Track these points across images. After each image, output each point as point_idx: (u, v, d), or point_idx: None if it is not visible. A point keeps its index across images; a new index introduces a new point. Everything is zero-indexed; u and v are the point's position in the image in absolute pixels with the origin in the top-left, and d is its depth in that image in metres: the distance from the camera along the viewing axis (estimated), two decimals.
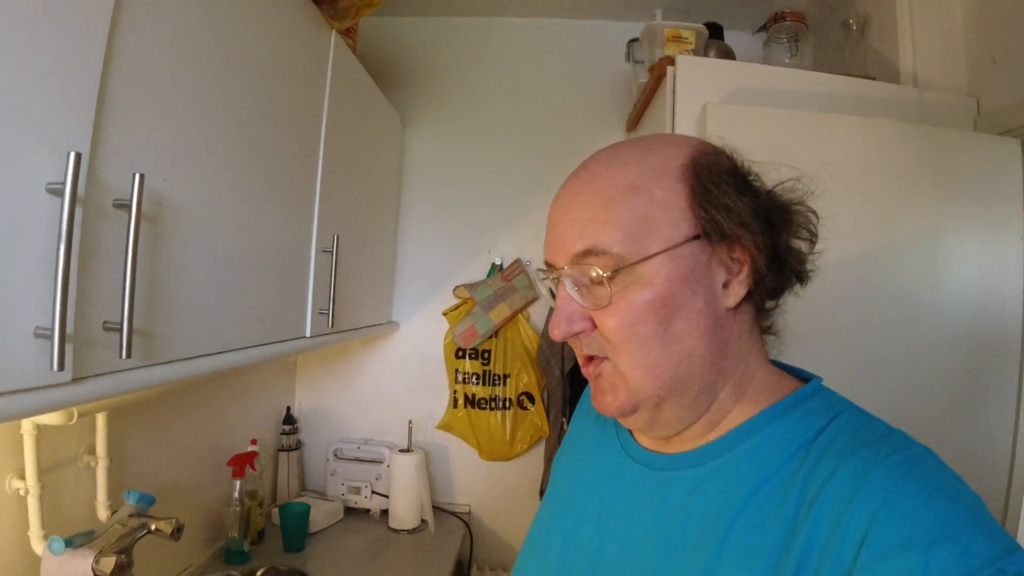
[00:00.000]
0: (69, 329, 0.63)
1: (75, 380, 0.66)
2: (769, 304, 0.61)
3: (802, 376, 0.63)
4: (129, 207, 0.69)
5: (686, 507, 0.57)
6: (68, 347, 0.63)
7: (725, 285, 0.57)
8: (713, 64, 1.39)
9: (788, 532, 0.49)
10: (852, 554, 0.44)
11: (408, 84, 2.04)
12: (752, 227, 0.55)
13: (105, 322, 0.70)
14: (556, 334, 0.58)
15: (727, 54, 1.53)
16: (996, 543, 0.42)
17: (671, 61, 1.38)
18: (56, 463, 1.05)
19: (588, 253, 0.55)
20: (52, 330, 0.60)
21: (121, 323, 0.70)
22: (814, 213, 0.61)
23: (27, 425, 0.95)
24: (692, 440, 0.61)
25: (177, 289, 0.83)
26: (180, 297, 0.84)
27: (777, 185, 0.60)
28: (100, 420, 1.10)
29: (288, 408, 1.93)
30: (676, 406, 0.57)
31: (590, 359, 0.60)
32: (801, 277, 0.61)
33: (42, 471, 0.98)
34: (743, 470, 0.55)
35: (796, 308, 0.64)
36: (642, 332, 0.54)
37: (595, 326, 0.57)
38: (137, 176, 0.69)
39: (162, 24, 0.77)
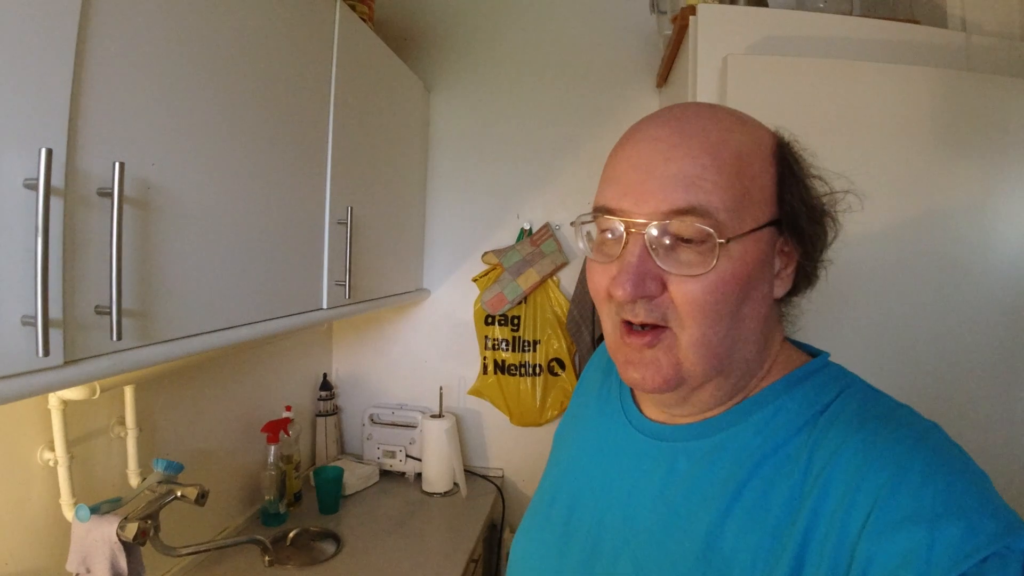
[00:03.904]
0: (55, 315, 0.66)
1: (68, 363, 0.69)
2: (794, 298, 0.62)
3: (810, 351, 0.63)
4: (111, 195, 0.71)
5: (690, 478, 0.57)
6: (55, 333, 0.66)
7: (777, 275, 0.57)
8: (738, 12, 1.29)
9: (794, 504, 0.49)
10: (858, 527, 0.44)
11: (432, 48, 2.00)
12: (816, 224, 0.56)
13: (97, 306, 0.73)
14: (622, 294, 0.52)
15: (759, 1, 1.41)
16: (1002, 520, 0.42)
17: (693, 10, 1.29)
18: (87, 434, 1.11)
19: (690, 212, 0.50)
20: (36, 318, 0.63)
21: (110, 307, 0.72)
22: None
23: (53, 400, 1.00)
24: (700, 413, 0.60)
25: (173, 271, 0.85)
26: (177, 278, 0.86)
27: (828, 195, 0.60)
28: (128, 393, 1.16)
29: (325, 375, 1.99)
30: (716, 388, 0.58)
31: (635, 330, 0.55)
32: (813, 280, 0.61)
33: (72, 442, 1.04)
34: (750, 442, 0.55)
35: (826, 278, 0.62)
36: (720, 308, 0.52)
37: (664, 290, 0.53)
38: (117, 165, 0.71)
39: (138, 8, 0.77)
